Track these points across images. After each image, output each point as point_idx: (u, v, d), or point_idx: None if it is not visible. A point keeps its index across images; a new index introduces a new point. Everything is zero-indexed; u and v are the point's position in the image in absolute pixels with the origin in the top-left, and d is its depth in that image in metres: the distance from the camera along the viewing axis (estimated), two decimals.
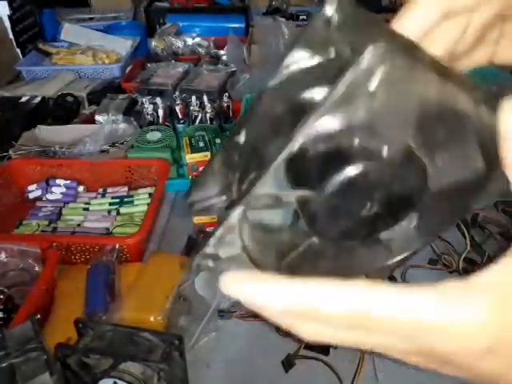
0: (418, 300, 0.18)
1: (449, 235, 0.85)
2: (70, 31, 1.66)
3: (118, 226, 0.94)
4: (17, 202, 1.03)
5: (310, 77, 0.23)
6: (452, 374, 0.21)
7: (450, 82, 0.21)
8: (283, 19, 1.46)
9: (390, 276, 0.81)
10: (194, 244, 0.87)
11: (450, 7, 0.25)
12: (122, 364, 0.55)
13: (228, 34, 1.55)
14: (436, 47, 0.27)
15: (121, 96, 1.31)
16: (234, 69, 1.41)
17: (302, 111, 0.20)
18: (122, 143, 1.10)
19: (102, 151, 1.07)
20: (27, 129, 1.18)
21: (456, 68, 0.28)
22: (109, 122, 1.15)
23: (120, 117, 1.18)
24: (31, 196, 1.03)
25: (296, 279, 0.19)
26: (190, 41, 1.66)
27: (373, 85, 0.19)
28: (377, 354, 0.20)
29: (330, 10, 0.22)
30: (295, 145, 0.20)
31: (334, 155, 0.22)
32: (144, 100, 1.21)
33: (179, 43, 1.64)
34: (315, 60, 0.23)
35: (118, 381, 0.54)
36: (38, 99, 1.29)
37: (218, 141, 0.96)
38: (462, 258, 0.79)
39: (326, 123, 0.19)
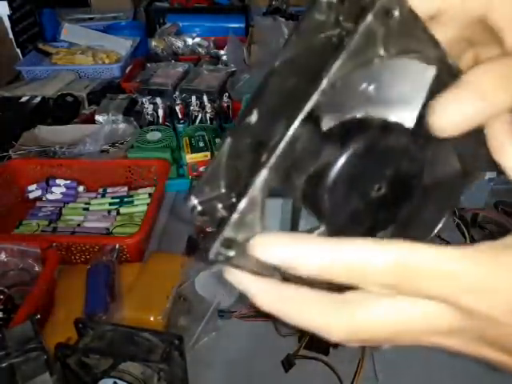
0: (456, 256, 0.18)
1: (449, 235, 0.85)
2: (70, 31, 1.66)
3: (117, 226, 0.94)
4: (17, 202, 1.03)
5: (321, 48, 0.23)
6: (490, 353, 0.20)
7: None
8: (283, 19, 1.47)
9: None
10: (195, 244, 0.87)
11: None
12: (121, 364, 0.55)
13: (228, 34, 1.55)
14: None
15: (121, 96, 1.31)
16: (234, 69, 1.41)
17: (317, 77, 0.20)
18: (122, 143, 1.10)
19: (102, 151, 1.07)
20: (27, 129, 1.18)
21: None
22: (109, 122, 1.15)
23: (120, 117, 1.18)
24: (31, 196, 1.03)
25: (337, 238, 0.19)
26: (190, 41, 1.66)
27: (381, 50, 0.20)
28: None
29: None
30: (323, 85, 0.20)
31: (353, 120, 0.22)
32: (144, 100, 1.21)
33: (179, 43, 1.64)
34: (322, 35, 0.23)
35: (117, 381, 0.54)
36: (38, 99, 1.30)
37: (218, 141, 0.96)
38: None
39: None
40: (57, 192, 1.03)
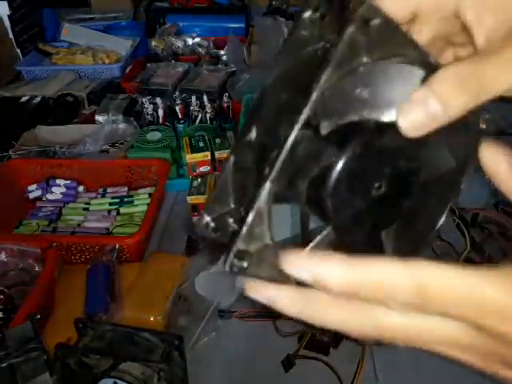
0: (481, 279, 0.19)
1: (449, 235, 0.85)
2: (70, 31, 1.66)
3: (117, 225, 0.94)
4: (17, 202, 1.02)
5: (308, 61, 0.24)
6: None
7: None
8: (283, 19, 1.47)
9: None
10: (195, 244, 0.87)
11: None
12: (121, 364, 0.55)
13: (228, 34, 1.55)
14: None
15: (121, 96, 1.31)
16: (234, 69, 1.41)
17: (308, 89, 0.21)
18: (122, 143, 1.10)
19: (102, 151, 1.07)
20: (27, 129, 1.18)
21: None
22: (109, 122, 1.15)
23: (120, 117, 1.18)
24: (31, 196, 1.03)
25: (357, 257, 0.20)
26: (190, 41, 1.66)
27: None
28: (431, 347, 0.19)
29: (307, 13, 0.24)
30: (308, 108, 0.21)
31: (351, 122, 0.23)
32: (144, 100, 1.21)
33: (179, 43, 1.64)
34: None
35: (117, 381, 0.54)
36: (38, 99, 1.30)
37: (218, 141, 0.96)
38: (462, 258, 0.79)
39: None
40: (57, 192, 1.03)
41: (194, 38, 1.66)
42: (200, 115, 1.16)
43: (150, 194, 1.01)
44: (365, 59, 0.22)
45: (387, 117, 0.23)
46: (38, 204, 1.02)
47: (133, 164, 1.05)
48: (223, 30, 1.68)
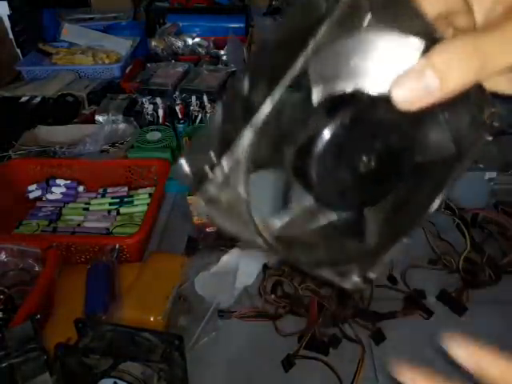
0: None
1: (449, 235, 0.85)
2: (70, 31, 1.66)
3: (117, 225, 0.94)
4: (17, 202, 1.02)
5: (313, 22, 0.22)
6: None
7: None
8: None
9: (390, 276, 0.81)
10: (195, 244, 0.87)
11: None
12: (121, 364, 0.55)
13: (228, 34, 1.55)
14: None
15: (121, 96, 1.31)
16: (234, 69, 1.41)
17: (303, 42, 0.20)
18: (122, 143, 1.10)
19: (102, 151, 1.08)
20: (27, 129, 1.18)
21: None
22: (109, 122, 1.15)
23: (120, 117, 1.18)
24: (31, 196, 1.03)
25: None
26: (190, 41, 1.66)
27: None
28: None
29: None
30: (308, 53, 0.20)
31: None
32: (144, 100, 1.21)
33: (179, 43, 1.64)
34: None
35: (118, 381, 0.54)
36: (38, 99, 1.30)
37: None
38: (461, 258, 0.79)
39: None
40: (57, 192, 1.03)
41: (193, 38, 1.66)
42: (200, 115, 1.16)
43: (150, 194, 1.01)
44: (366, 22, 0.21)
45: (383, 88, 0.22)
46: (38, 204, 1.02)
47: (133, 164, 1.05)
48: (223, 29, 1.68)
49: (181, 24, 1.76)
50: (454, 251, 0.82)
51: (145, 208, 0.97)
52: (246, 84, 0.23)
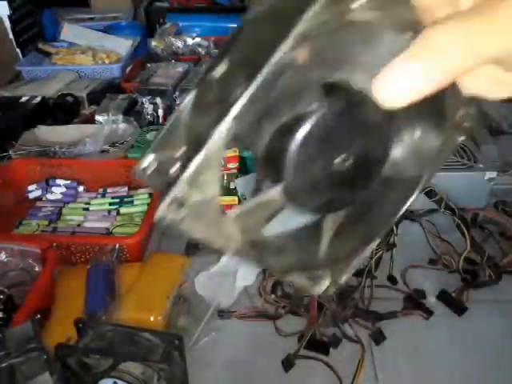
0: None
1: (449, 235, 0.85)
2: (70, 31, 1.66)
3: (117, 225, 0.94)
4: (17, 202, 1.02)
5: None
6: None
7: None
8: None
9: (390, 276, 0.81)
10: (195, 244, 0.87)
11: None
12: (121, 364, 0.55)
13: (228, 34, 1.55)
14: None
15: (121, 96, 1.31)
16: None
17: (293, 20, 0.18)
18: (122, 143, 1.10)
19: (102, 151, 1.08)
20: (27, 129, 1.18)
21: None
22: (109, 122, 1.15)
23: (120, 117, 1.18)
24: (31, 196, 1.03)
25: None
26: (190, 41, 1.66)
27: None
28: None
29: None
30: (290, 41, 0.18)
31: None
32: (144, 100, 1.21)
33: (179, 43, 1.64)
34: None
35: (117, 381, 0.54)
36: (38, 99, 1.30)
37: None
38: (461, 258, 0.79)
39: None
40: (57, 192, 1.03)
41: (194, 38, 1.66)
42: None
43: (150, 194, 1.01)
44: (356, 5, 0.19)
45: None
46: (38, 204, 1.02)
47: (133, 164, 1.04)
48: (223, 30, 1.68)
49: (181, 24, 1.76)
50: (454, 251, 0.82)
51: (145, 208, 0.97)
52: (222, 68, 0.21)
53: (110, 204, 1.00)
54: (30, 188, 1.03)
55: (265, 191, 0.22)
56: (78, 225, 0.95)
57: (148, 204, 0.97)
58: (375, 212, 0.26)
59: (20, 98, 1.31)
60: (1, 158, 1.09)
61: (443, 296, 0.77)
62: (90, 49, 1.57)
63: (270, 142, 0.21)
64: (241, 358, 0.70)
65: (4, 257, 0.78)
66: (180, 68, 1.42)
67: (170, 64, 1.47)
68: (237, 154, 0.94)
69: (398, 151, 0.24)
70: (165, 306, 0.72)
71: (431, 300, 0.77)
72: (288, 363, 0.68)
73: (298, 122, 0.21)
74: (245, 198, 0.87)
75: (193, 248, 0.86)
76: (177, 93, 1.25)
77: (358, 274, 0.77)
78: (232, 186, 0.89)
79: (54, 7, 1.86)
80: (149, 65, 1.47)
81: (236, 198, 0.86)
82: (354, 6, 0.19)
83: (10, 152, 1.09)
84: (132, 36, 1.66)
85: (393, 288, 0.79)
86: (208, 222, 0.20)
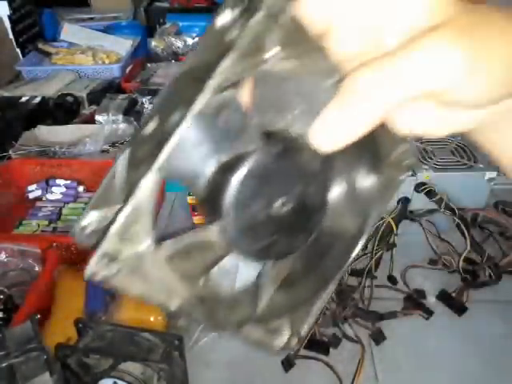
0: None
1: (449, 235, 0.85)
2: (70, 31, 1.66)
3: None
4: (17, 202, 1.02)
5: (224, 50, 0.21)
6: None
7: None
8: None
9: (390, 276, 0.81)
10: None
11: None
12: (121, 364, 0.55)
13: None
14: None
15: (121, 96, 1.31)
16: None
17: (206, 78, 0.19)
18: (122, 143, 1.10)
19: (102, 151, 1.07)
20: (27, 129, 1.18)
21: None
22: (109, 122, 1.15)
23: (120, 117, 1.18)
24: (31, 196, 1.03)
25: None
26: (190, 41, 1.66)
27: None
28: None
29: None
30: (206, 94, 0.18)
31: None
32: (144, 100, 1.21)
33: (179, 43, 1.64)
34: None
35: (117, 381, 0.54)
36: (38, 99, 1.29)
37: None
38: (461, 258, 0.79)
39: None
40: (57, 192, 1.03)
41: (194, 38, 1.66)
42: None
43: None
44: (269, 55, 0.19)
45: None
46: (38, 204, 1.02)
47: None
48: None
49: (181, 24, 1.76)
50: (454, 251, 0.82)
51: None
52: (153, 124, 0.21)
53: None
54: (30, 188, 1.03)
55: (199, 228, 0.22)
56: None
57: None
58: (326, 259, 0.26)
59: (20, 98, 1.31)
60: (1, 157, 1.09)
61: (443, 296, 0.77)
62: (89, 49, 1.57)
63: (210, 180, 0.21)
64: (241, 358, 0.70)
65: (4, 257, 0.78)
66: None
67: (170, 64, 1.47)
68: None
69: (337, 197, 0.25)
70: None
71: (431, 300, 0.77)
72: (288, 363, 0.68)
73: (238, 161, 0.21)
74: None
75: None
76: None
77: (358, 274, 0.77)
78: None
79: (54, 7, 1.86)
80: (149, 65, 1.47)
81: None
82: (267, 56, 0.19)
83: (10, 152, 1.09)
84: (132, 36, 1.66)
85: (393, 288, 0.79)
86: (144, 275, 0.19)
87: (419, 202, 0.90)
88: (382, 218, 0.90)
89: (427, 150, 0.94)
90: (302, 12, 0.19)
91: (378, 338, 0.71)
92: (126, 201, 0.19)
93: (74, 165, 1.05)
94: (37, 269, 0.77)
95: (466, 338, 0.71)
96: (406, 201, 0.91)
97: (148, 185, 0.19)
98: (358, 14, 0.19)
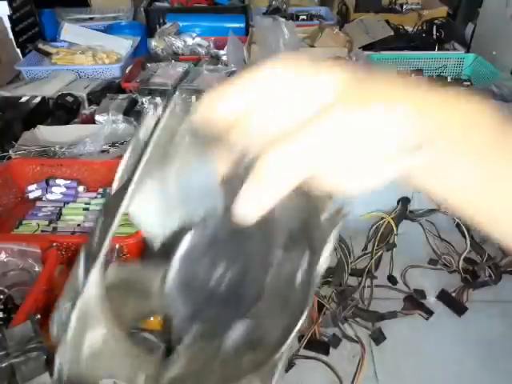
0: None
1: (449, 235, 0.85)
2: (70, 31, 1.66)
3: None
4: (17, 202, 1.02)
5: None
6: None
7: None
8: (283, 19, 1.47)
9: (390, 276, 0.81)
10: None
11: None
12: None
13: (228, 34, 1.55)
14: None
15: (121, 96, 1.31)
16: (234, 69, 1.41)
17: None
18: (122, 143, 1.10)
19: (102, 151, 1.07)
20: (27, 129, 1.18)
21: None
22: (109, 122, 1.15)
23: (120, 117, 1.18)
24: (31, 196, 1.03)
25: None
26: (190, 41, 1.66)
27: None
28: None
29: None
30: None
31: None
32: (144, 100, 1.21)
33: (179, 43, 1.64)
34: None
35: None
36: (38, 99, 1.29)
37: None
38: (461, 258, 0.79)
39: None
40: (57, 192, 1.02)
41: (194, 38, 1.66)
42: None
43: None
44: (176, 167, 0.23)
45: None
46: (38, 204, 1.02)
47: None
48: (223, 29, 1.68)
49: (181, 24, 1.77)
50: (454, 251, 0.82)
51: None
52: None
53: None
54: (30, 188, 1.03)
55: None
56: (78, 225, 0.95)
57: None
58: (269, 331, 0.26)
59: (20, 98, 1.31)
60: (1, 157, 1.09)
61: (443, 296, 0.77)
62: (89, 49, 1.57)
63: (168, 238, 0.24)
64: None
65: (4, 257, 0.78)
66: (180, 68, 1.42)
67: (170, 64, 1.48)
68: None
69: (273, 278, 0.25)
70: None
71: (431, 300, 0.77)
72: (288, 363, 0.68)
73: (196, 223, 0.23)
74: None
75: None
76: (177, 93, 1.25)
77: (358, 274, 0.77)
78: None
79: (54, 7, 1.86)
80: (149, 65, 1.47)
81: None
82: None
83: (10, 152, 1.09)
84: (132, 36, 1.66)
85: (393, 288, 0.79)
86: (108, 358, 0.22)
87: (419, 202, 0.90)
88: (382, 218, 0.90)
89: None
90: (206, 115, 0.22)
91: (378, 337, 0.71)
92: (74, 300, 0.21)
93: (73, 165, 1.05)
94: (37, 269, 0.77)
95: (466, 338, 0.71)
96: (406, 201, 0.91)
97: (93, 280, 0.21)
98: (264, 110, 0.21)
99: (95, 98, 1.34)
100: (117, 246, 0.82)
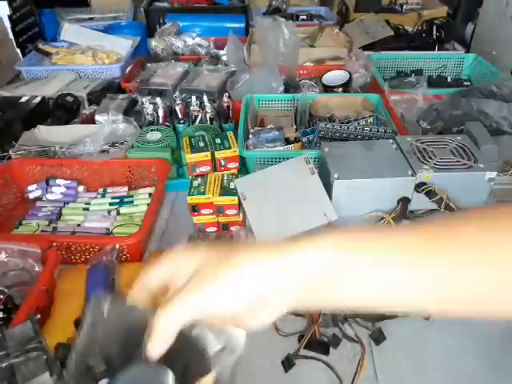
0: None
1: None
2: (70, 31, 1.66)
3: (117, 225, 0.94)
4: (17, 202, 1.03)
5: None
6: None
7: None
8: (283, 19, 1.47)
9: None
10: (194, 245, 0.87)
11: None
12: None
13: (228, 34, 1.55)
14: None
15: (121, 96, 1.31)
16: (233, 69, 1.41)
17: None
18: (122, 143, 1.10)
19: (102, 151, 1.07)
20: (27, 129, 1.18)
21: None
22: (109, 122, 1.15)
23: (120, 117, 1.18)
24: (31, 196, 1.03)
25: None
26: (190, 41, 1.66)
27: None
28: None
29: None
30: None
31: None
32: (144, 100, 1.21)
33: (179, 43, 1.64)
34: None
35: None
36: (38, 99, 1.30)
37: (217, 141, 0.96)
38: None
39: None
40: (57, 192, 1.03)
41: (194, 38, 1.66)
42: (200, 115, 1.16)
43: (150, 194, 1.01)
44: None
45: None
46: (38, 204, 1.02)
47: (133, 164, 1.05)
48: (223, 29, 1.69)
49: (181, 24, 1.77)
50: None
51: (145, 208, 0.97)
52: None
53: (110, 204, 1.00)
54: (30, 188, 1.03)
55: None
56: (78, 225, 0.95)
57: (148, 204, 0.97)
58: None
59: (20, 98, 1.31)
60: (1, 157, 1.09)
61: None
62: (89, 49, 1.57)
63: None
64: (240, 358, 0.70)
65: (4, 257, 0.78)
66: (180, 68, 1.42)
67: (170, 64, 1.47)
68: (237, 154, 0.94)
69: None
70: None
71: None
72: (288, 363, 0.68)
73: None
74: (245, 199, 0.87)
75: None
76: (177, 93, 1.25)
77: None
78: (232, 186, 0.89)
79: (54, 7, 1.86)
80: (149, 65, 1.47)
81: (236, 198, 0.86)
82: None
83: (10, 152, 1.09)
84: (132, 36, 1.66)
85: None
86: None
87: (419, 202, 0.90)
88: (382, 218, 0.90)
89: (427, 150, 0.94)
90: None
91: (378, 337, 0.71)
92: None
93: (74, 165, 1.05)
94: (37, 269, 0.77)
95: (466, 338, 0.71)
96: (406, 201, 0.91)
97: None
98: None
99: (95, 98, 1.34)
100: (117, 246, 0.82)
